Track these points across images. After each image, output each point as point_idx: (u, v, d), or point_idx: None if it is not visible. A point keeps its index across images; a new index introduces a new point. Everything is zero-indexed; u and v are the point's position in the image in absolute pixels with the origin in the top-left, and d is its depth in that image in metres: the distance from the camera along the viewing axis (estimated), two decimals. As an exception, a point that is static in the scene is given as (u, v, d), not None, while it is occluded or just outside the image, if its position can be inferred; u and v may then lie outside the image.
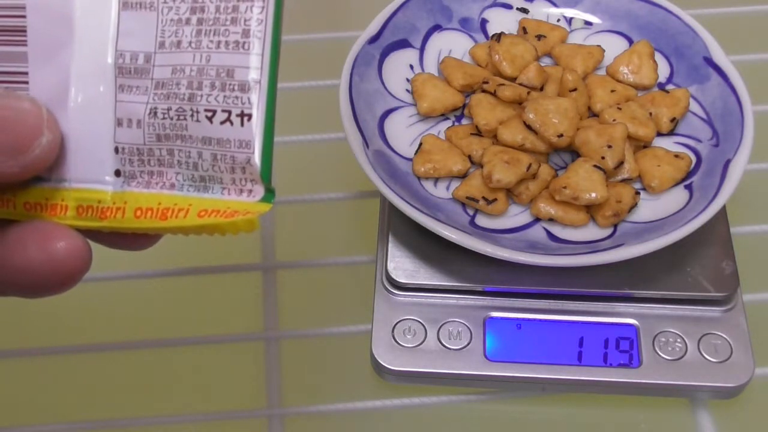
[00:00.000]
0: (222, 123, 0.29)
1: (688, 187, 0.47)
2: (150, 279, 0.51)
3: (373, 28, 0.52)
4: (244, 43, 0.29)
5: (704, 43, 0.51)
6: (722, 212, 0.48)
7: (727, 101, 0.49)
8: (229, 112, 0.29)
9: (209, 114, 0.29)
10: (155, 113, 0.29)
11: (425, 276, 0.46)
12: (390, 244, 0.47)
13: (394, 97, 0.51)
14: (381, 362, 0.45)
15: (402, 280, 0.46)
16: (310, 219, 0.54)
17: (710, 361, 0.45)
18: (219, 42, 0.29)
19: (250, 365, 0.48)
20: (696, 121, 0.50)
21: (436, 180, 0.48)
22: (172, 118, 0.29)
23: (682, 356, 0.45)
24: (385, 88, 0.51)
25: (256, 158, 0.29)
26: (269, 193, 0.29)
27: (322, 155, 0.56)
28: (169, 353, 0.48)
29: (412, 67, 0.53)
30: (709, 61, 0.51)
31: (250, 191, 0.29)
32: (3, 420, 0.46)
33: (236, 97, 0.29)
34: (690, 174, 0.48)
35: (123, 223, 0.30)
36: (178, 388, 0.47)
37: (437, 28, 0.54)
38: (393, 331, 0.46)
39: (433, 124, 0.51)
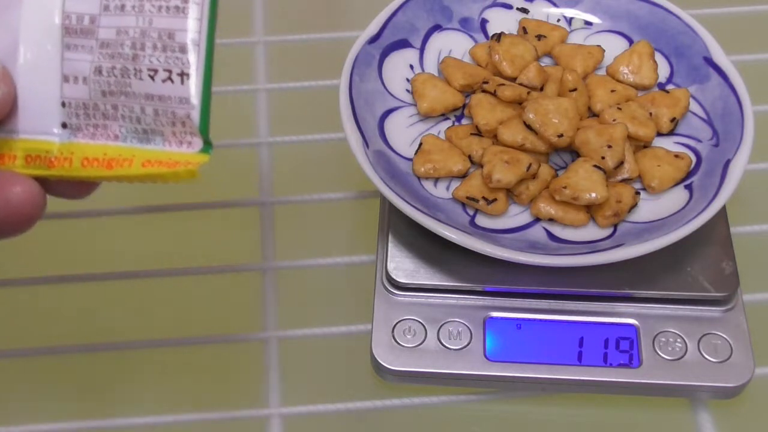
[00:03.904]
0: (163, 81, 0.32)
1: (688, 187, 0.47)
2: (150, 279, 0.51)
3: (373, 28, 0.52)
4: (184, 8, 0.32)
5: (704, 43, 0.51)
6: (722, 212, 0.48)
7: (727, 101, 0.49)
8: (170, 71, 0.32)
9: (151, 73, 0.32)
10: (100, 71, 0.32)
11: (425, 276, 0.46)
12: (390, 244, 0.47)
13: (394, 97, 0.51)
14: (381, 362, 0.45)
15: (402, 280, 0.46)
16: (310, 219, 0.54)
17: (710, 361, 0.45)
18: (160, 6, 0.32)
19: (250, 365, 0.48)
20: (696, 121, 0.50)
21: (436, 180, 0.48)
22: (116, 76, 0.32)
23: (682, 356, 0.45)
24: (385, 88, 0.51)
25: (195, 113, 0.32)
26: (207, 145, 0.32)
27: (322, 155, 0.56)
28: (169, 353, 0.48)
29: (412, 67, 0.53)
30: (709, 61, 0.51)
31: (190, 143, 0.32)
32: (3, 420, 0.46)
33: (177, 58, 0.32)
34: (690, 174, 0.48)
35: (71, 171, 0.33)
36: (178, 388, 0.47)
37: (437, 28, 0.54)
38: (393, 331, 0.46)
39: (433, 124, 0.51)
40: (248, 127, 0.57)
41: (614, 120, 0.48)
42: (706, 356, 0.45)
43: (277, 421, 0.46)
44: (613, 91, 0.51)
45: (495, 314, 0.46)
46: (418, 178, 0.48)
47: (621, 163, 0.47)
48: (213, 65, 0.32)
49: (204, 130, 0.32)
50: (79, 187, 0.34)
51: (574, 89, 0.50)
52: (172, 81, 0.32)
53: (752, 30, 0.64)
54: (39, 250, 0.52)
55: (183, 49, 0.32)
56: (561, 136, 0.47)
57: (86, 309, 0.50)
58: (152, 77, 0.32)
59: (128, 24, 0.32)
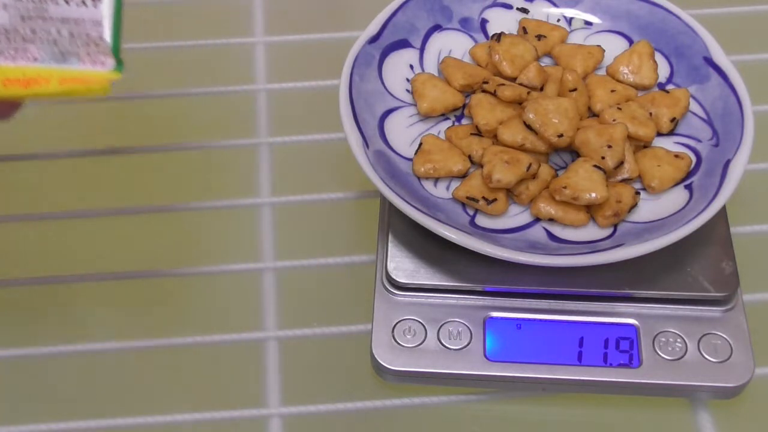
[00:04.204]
0: (78, 5, 0.34)
1: (688, 187, 0.47)
2: (150, 279, 0.51)
3: (373, 28, 0.52)
4: None
5: (704, 43, 0.51)
6: (722, 212, 0.48)
7: (727, 101, 0.49)
8: None
9: None
10: None
11: (425, 276, 0.46)
12: (390, 244, 0.47)
13: (394, 97, 0.51)
14: (381, 362, 0.45)
15: (402, 280, 0.46)
16: (310, 219, 0.54)
17: (710, 361, 0.45)
18: None
19: (250, 365, 0.48)
20: (696, 121, 0.50)
21: (436, 180, 0.48)
22: (34, 2, 0.34)
23: (682, 356, 0.45)
24: (385, 88, 0.51)
25: (107, 35, 0.35)
26: (119, 64, 0.35)
27: (322, 155, 0.56)
28: (169, 353, 0.48)
29: (412, 67, 0.53)
30: (709, 61, 0.51)
31: (103, 63, 0.35)
32: (3, 419, 0.46)
33: None
34: (690, 174, 0.48)
35: None
36: (178, 388, 0.47)
37: (437, 28, 0.54)
38: (393, 331, 0.46)
39: (433, 124, 0.51)
40: (248, 127, 0.57)
41: (614, 120, 0.48)
42: (706, 356, 0.45)
43: (277, 421, 0.46)
44: (613, 91, 0.51)
45: (495, 314, 0.46)
46: (418, 178, 0.48)
47: (621, 163, 0.47)
48: None
49: (116, 50, 0.35)
50: (2, 108, 0.37)
51: (574, 89, 0.50)
52: (86, 5, 0.34)
53: (752, 30, 0.64)
54: (38, 251, 0.52)
55: None
56: (561, 136, 0.47)
57: (85, 310, 0.50)
58: (67, 2, 0.34)
59: None
